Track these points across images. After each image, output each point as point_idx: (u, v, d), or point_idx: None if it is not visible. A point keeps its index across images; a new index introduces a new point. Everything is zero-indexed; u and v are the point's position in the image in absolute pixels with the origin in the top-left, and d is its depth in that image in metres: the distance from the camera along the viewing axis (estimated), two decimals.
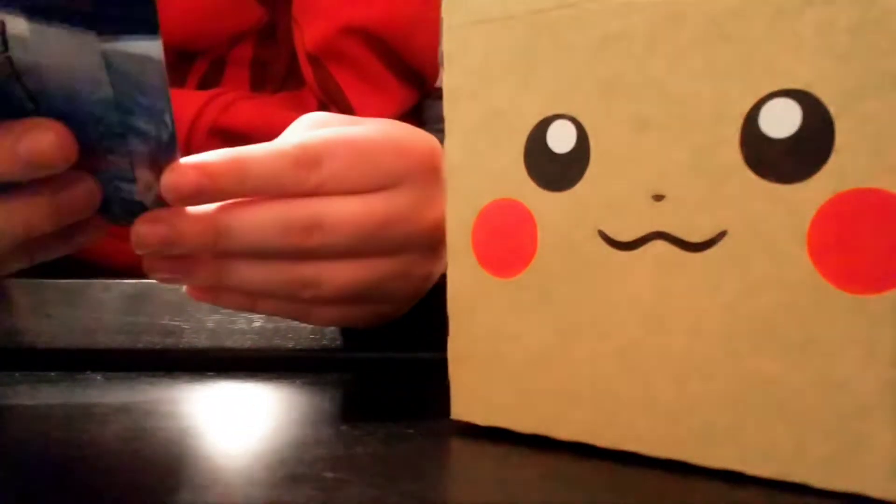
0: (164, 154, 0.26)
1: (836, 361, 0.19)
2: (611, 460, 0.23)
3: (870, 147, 0.19)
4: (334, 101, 0.52)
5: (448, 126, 0.26)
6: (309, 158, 0.28)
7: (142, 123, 0.24)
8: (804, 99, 0.19)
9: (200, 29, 0.53)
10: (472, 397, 0.26)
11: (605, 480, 0.22)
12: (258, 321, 0.36)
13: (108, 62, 0.23)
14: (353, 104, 0.51)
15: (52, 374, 0.36)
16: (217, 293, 0.30)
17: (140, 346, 0.37)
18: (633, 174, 0.22)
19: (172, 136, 0.25)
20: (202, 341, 0.36)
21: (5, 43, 0.22)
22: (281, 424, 0.28)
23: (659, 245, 0.22)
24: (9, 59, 0.23)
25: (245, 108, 0.51)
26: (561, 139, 0.23)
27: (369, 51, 0.51)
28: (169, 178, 0.26)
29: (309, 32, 0.51)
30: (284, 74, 0.57)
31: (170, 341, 0.37)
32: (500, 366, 0.25)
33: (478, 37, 0.25)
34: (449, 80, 0.26)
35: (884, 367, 0.19)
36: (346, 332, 0.36)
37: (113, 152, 0.26)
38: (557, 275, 0.24)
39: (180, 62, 0.54)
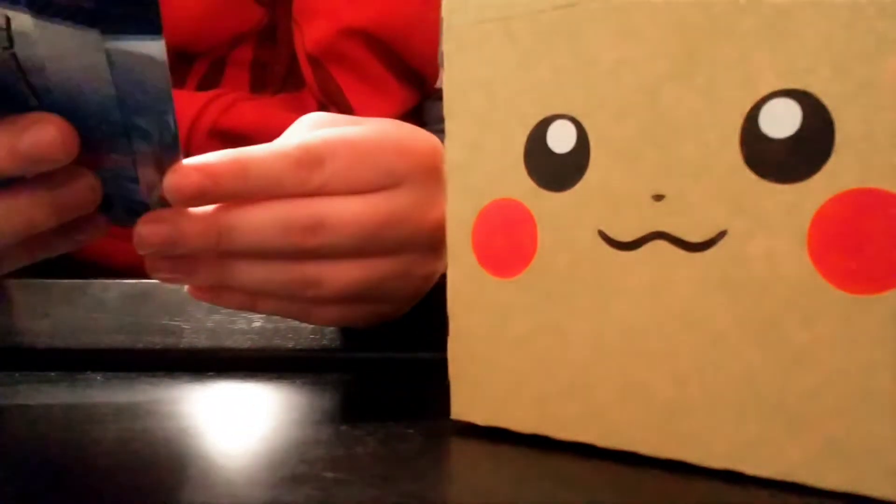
0: (166, 155, 0.26)
1: (837, 361, 0.19)
2: (611, 460, 0.23)
3: (870, 147, 0.19)
4: (334, 102, 0.52)
5: (448, 126, 0.26)
6: (311, 159, 0.28)
7: (144, 123, 0.25)
8: (804, 99, 0.19)
9: (200, 30, 0.53)
10: (472, 397, 0.26)
11: (605, 480, 0.22)
12: (258, 321, 0.36)
13: (112, 61, 0.23)
14: (353, 105, 0.51)
15: (52, 374, 0.36)
16: (218, 293, 0.30)
17: (140, 346, 0.37)
18: (633, 174, 0.22)
19: (175, 137, 0.25)
20: (202, 341, 0.36)
21: (10, 39, 0.23)
22: (281, 424, 0.28)
23: (659, 245, 0.22)
24: (13, 55, 0.23)
25: (245, 109, 0.52)
26: (561, 139, 0.23)
27: (369, 52, 0.51)
28: (171, 180, 0.26)
29: (309, 33, 0.51)
30: (284, 75, 0.57)
31: (170, 341, 0.37)
32: (500, 366, 0.25)
33: (478, 37, 0.25)
34: (449, 80, 0.26)
35: (884, 367, 0.19)
36: (346, 332, 0.36)
37: (116, 152, 0.26)
38: (557, 275, 0.24)
39: (180, 63, 0.54)
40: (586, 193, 0.23)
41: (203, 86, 0.55)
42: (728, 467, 0.21)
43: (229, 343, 0.36)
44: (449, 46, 0.26)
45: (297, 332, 0.36)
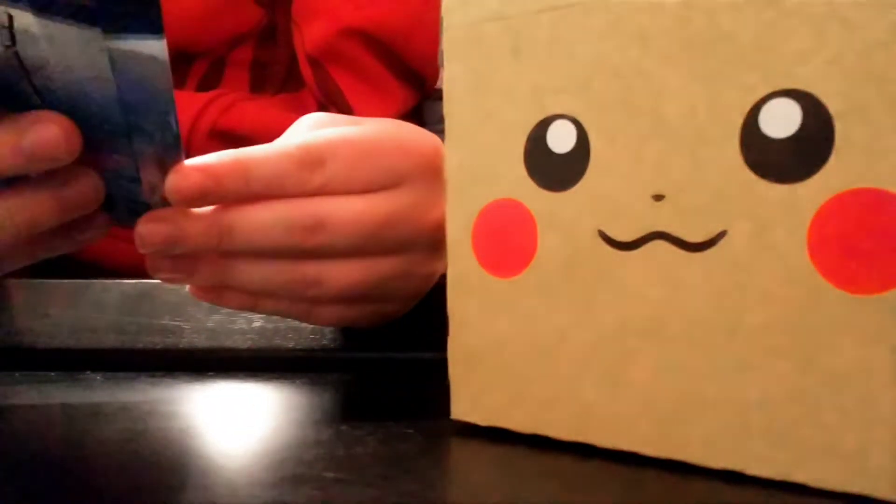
0: (168, 155, 0.26)
1: (836, 361, 0.19)
2: (611, 460, 0.23)
3: (870, 147, 0.19)
4: (334, 103, 0.52)
5: (448, 126, 0.26)
6: (312, 159, 0.28)
7: (146, 123, 0.25)
8: (804, 99, 0.19)
9: (200, 30, 0.53)
10: (472, 397, 0.26)
11: (605, 480, 0.22)
12: (258, 321, 0.36)
13: (113, 61, 0.23)
14: (352, 105, 0.51)
15: (52, 374, 0.36)
16: (220, 293, 0.30)
17: (140, 346, 0.37)
18: (633, 174, 0.22)
19: (177, 138, 0.25)
20: (202, 341, 0.36)
21: (13, 37, 0.23)
22: (281, 424, 0.28)
23: (659, 245, 0.22)
24: (16, 53, 0.23)
25: (245, 109, 0.52)
26: (561, 139, 0.24)
27: (369, 52, 0.51)
28: (173, 181, 0.26)
29: (308, 34, 0.51)
30: (284, 76, 0.57)
31: (170, 341, 0.37)
32: (500, 366, 0.25)
33: (478, 37, 0.25)
34: (449, 80, 0.26)
35: (884, 367, 0.19)
36: (346, 332, 0.36)
37: (118, 152, 0.26)
38: (557, 275, 0.24)
39: (180, 63, 0.54)
40: (586, 193, 0.23)
41: (203, 86, 0.55)
42: (728, 467, 0.21)
43: (229, 343, 0.36)
44: (449, 46, 0.26)
45: (297, 332, 0.36)
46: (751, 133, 0.20)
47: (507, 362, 0.25)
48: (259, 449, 0.25)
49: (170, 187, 0.26)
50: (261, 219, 0.28)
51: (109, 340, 0.37)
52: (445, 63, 0.26)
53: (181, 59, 0.54)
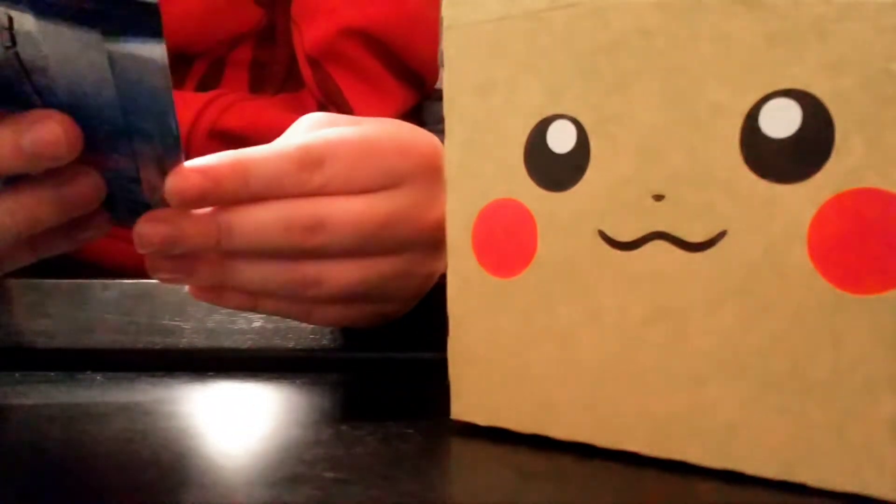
0: (168, 156, 0.26)
1: (836, 361, 0.19)
2: (611, 460, 0.23)
3: (870, 147, 0.19)
4: (333, 103, 0.52)
5: (448, 126, 0.26)
6: (312, 159, 0.28)
7: (145, 124, 0.25)
8: (804, 99, 0.19)
9: (199, 30, 0.53)
10: (472, 397, 0.26)
11: (605, 480, 0.22)
12: (258, 321, 0.36)
13: (113, 63, 0.23)
14: (352, 105, 0.51)
15: (52, 374, 0.36)
16: (219, 293, 0.30)
17: (140, 346, 0.37)
18: (633, 174, 0.22)
19: (176, 139, 0.25)
20: (202, 341, 0.36)
21: (13, 38, 0.23)
22: (281, 424, 0.28)
23: (659, 245, 0.22)
24: (17, 54, 0.23)
25: (245, 109, 0.51)
26: (561, 139, 0.24)
27: (368, 52, 0.51)
28: (172, 182, 0.26)
29: (308, 34, 0.51)
30: (283, 76, 0.57)
31: (170, 341, 0.37)
32: (499, 366, 0.25)
33: (478, 37, 0.25)
34: (449, 80, 0.26)
35: (884, 367, 0.19)
36: (346, 332, 0.36)
37: (118, 152, 0.26)
38: (557, 275, 0.24)
39: (179, 63, 0.54)
40: (586, 193, 0.23)
41: (202, 86, 0.55)
42: (728, 467, 0.21)
43: (229, 343, 0.36)
44: (449, 46, 0.26)
45: (297, 332, 0.36)
46: (751, 133, 0.20)
47: (506, 362, 0.25)
48: (259, 449, 0.25)
49: (169, 189, 0.26)
50: (260, 219, 0.28)
51: (109, 340, 0.37)
52: (445, 63, 0.26)
53: (180, 60, 0.54)
